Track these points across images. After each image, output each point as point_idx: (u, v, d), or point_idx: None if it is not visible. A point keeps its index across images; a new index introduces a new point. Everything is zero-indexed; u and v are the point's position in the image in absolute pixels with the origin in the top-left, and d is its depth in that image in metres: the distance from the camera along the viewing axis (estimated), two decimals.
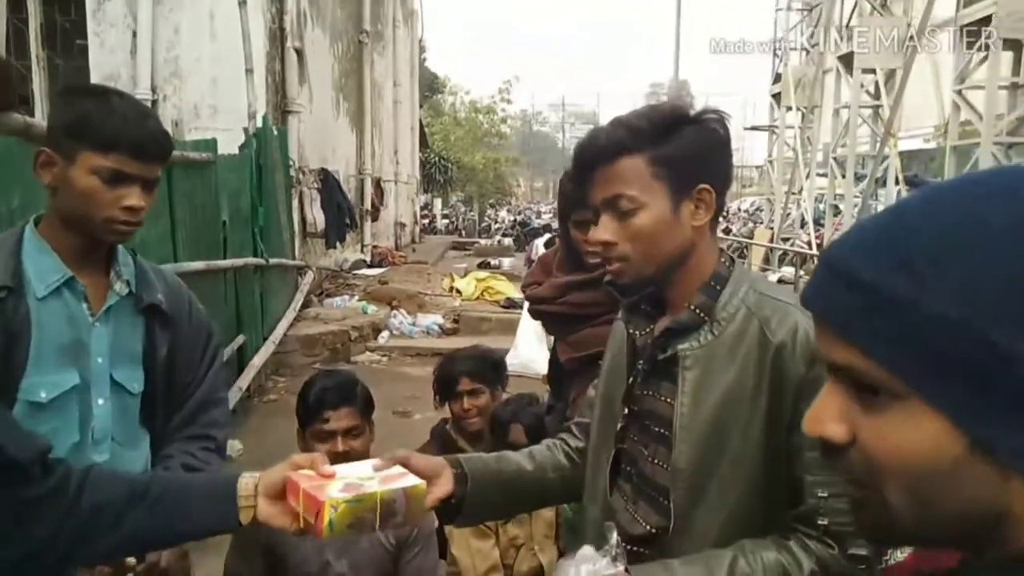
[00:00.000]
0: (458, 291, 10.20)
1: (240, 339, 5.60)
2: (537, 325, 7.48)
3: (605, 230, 1.15)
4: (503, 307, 9.08)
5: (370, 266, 11.51)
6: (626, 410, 1.25)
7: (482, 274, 10.86)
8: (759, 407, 1.09)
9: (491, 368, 2.68)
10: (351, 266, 10.84)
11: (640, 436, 1.23)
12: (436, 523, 2.20)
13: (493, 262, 13.09)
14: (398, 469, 1.13)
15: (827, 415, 0.55)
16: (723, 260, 1.18)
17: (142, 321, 1.43)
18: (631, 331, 1.25)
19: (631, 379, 1.25)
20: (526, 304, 8.06)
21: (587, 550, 1.04)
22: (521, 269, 12.52)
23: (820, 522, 1.05)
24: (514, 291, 9.52)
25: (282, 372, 6.53)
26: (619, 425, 1.26)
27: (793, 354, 1.07)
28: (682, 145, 1.11)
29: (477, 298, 9.87)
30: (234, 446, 4.68)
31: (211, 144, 5.11)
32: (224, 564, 2.00)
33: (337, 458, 1.85)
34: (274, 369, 6.53)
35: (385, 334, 7.98)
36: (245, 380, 5.54)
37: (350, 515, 1.02)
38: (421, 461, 1.18)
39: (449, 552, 2.21)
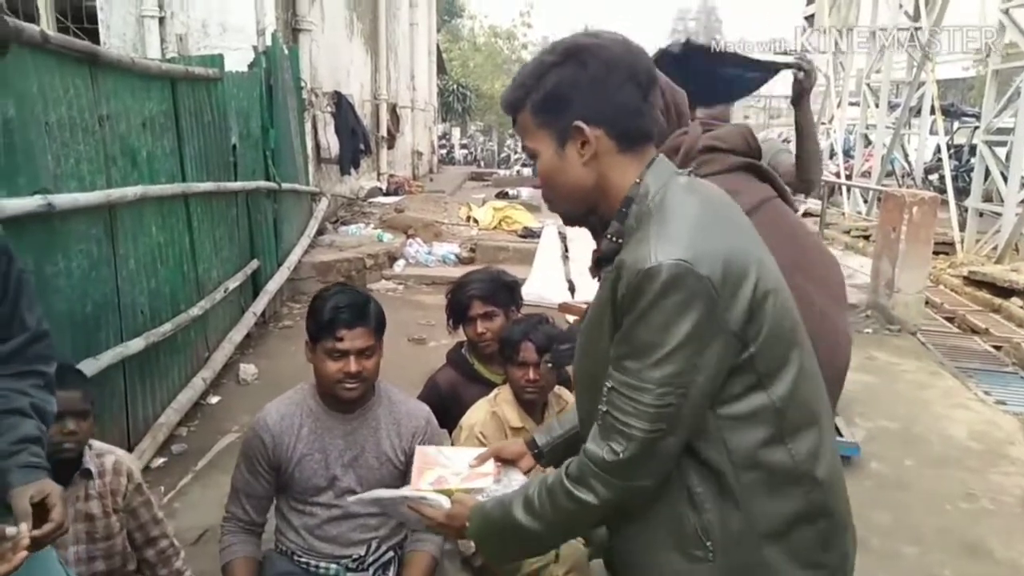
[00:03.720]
0: (475, 220, 10.04)
1: (254, 264, 5.53)
2: (555, 255, 7.39)
3: (537, 175, 1.25)
4: (521, 236, 8.93)
5: (386, 194, 11.35)
6: None
7: (500, 204, 10.65)
8: (606, 320, 1.14)
9: (504, 290, 2.58)
10: (366, 194, 10.69)
11: None
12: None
13: (511, 192, 12.85)
14: (489, 466, 1.47)
15: None
16: (636, 180, 1.17)
17: None
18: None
19: None
20: (544, 233, 7.93)
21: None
22: (539, 199, 12.29)
23: (601, 408, 1.12)
24: (532, 221, 9.35)
25: (297, 299, 6.49)
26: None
27: (621, 276, 1.09)
28: (547, 90, 1.17)
29: (494, 228, 9.71)
30: (249, 370, 4.66)
31: (217, 60, 4.91)
32: (231, 480, 1.95)
33: (348, 377, 1.79)
34: (289, 296, 6.49)
35: (401, 262, 7.90)
36: (259, 305, 5.50)
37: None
38: (507, 451, 1.50)
39: None
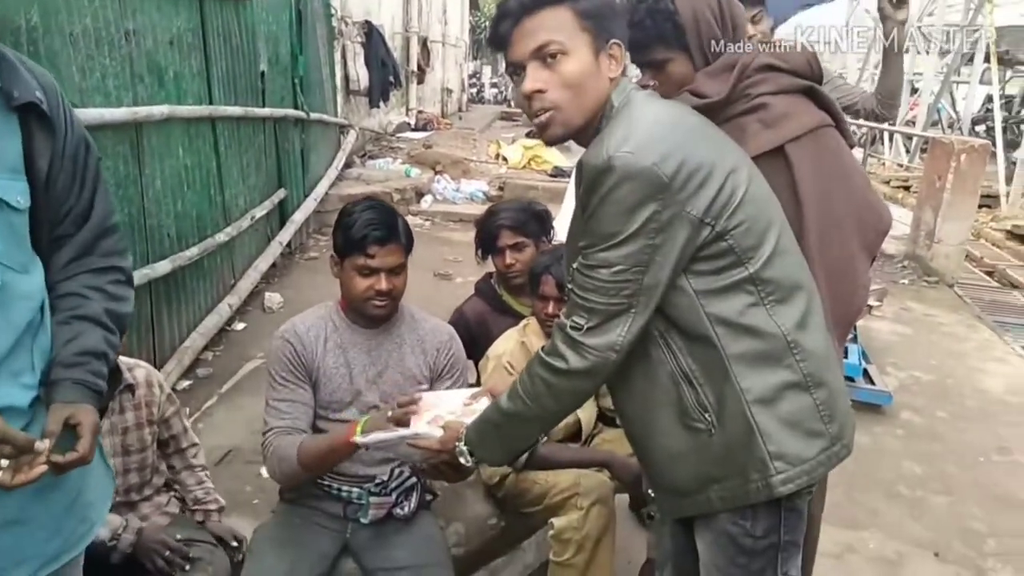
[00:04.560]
0: (504, 159, 9.90)
1: (281, 193, 5.49)
2: None
3: (534, 79, 1.23)
4: (550, 176, 8.79)
5: (414, 130, 11.20)
6: None
7: (530, 142, 10.46)
8: (579, 220, 1.25)
9: (535, 219, 2.50)
10: (395, 129, 10.56)
11: None
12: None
13: None
14: (483, 403, 1.50)
15: None
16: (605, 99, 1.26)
17: (16, 122, 1.12)
18: None
19: None
20: (573, 173, 7.90)
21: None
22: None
23: (568, 285, 1.25)
24: (562, 160, 9.18)
25: (323, 231, 6.46)
26: None
27: (582, 175, 1.21)
28: (600, 2, 1.25)
29: (524, 166, 9.58)
30: (274, 299, 4.66)
31: None
32: (265, 399, 1.83)
33: (379, 295, 1.74)
34: (316, 227, 6.46)
35: (428, 198, 7.82)
36: (286, 235, 5.48)
37: None
38: (500, 388, 1.47)
39: (483, 384, 2.11)
